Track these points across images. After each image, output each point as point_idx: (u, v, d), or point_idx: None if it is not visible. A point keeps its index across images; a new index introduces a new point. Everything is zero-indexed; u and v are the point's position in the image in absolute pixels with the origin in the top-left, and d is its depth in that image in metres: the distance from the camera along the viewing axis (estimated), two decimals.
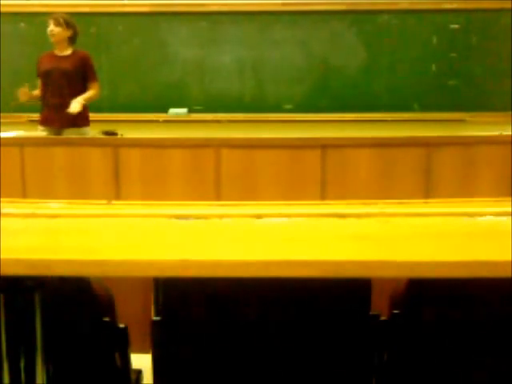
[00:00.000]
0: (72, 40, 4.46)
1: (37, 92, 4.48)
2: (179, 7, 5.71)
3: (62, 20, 4.39)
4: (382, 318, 1.38)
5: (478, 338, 1.37)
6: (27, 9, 5.64)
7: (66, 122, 4.36)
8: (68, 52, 4.46)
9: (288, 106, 5.78)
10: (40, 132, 4.49)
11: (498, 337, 1.36)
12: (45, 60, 4.47)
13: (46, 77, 4.42)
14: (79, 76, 4.41)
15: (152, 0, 5.69)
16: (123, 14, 5.72)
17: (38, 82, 4.49)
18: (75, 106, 4.26)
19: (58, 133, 4.42)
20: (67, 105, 4.28)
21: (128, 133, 4.76)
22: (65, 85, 4.35)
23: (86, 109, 4.51)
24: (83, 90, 4.41)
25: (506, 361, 1.37)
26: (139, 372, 1.57)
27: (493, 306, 1.35)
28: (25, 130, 4.77)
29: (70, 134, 4.39)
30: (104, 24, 5.72)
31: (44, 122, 4.50)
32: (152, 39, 5.75)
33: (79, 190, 4.00)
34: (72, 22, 4.45)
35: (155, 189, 3.96)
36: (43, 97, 4.45)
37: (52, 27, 4.39)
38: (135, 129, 5.13)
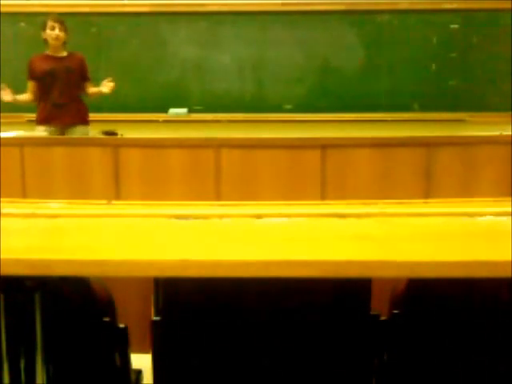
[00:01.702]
0: (65, 44, 4.52)
1: (27, 95, 4.49)
2: (179, 7, 5.71)
3: (65, 24, 4.45)
4: (382, 317, 1.38)
5: (477, 338, 1.37)
6: (27, 9, 5.64)
7: (70, 120, 4.43)
8: (64, 53, 4.50)
9: (288, 106, 5.78)
10: (38, 132, 4.49)
11: (497, 337, 1.36)
12: (40, 62, 4.47)
13: (49, 77, 4.41)
14: (80, 76, 4.50)
15: (152, 0, 5.69)
16: (123, 13, 5.72)
17: (30, 85, 4.49)
18: (107, 86, 4.42)
19: (62, 131, 4.46)
20: (71, 103, 4.42)
21: (128, 133, 4.76)
22: (70, 83, 4.43)
23: (87, 107, 4.56)
24: (81, 90, 4.51)
25: (506, 361, 1.37)
26: (139, 372, 1.57)
27: (492, 306, 1.35)
28: (25, 130, 4.76)
29: (75, 131, 4.45)
30: (104, 24, 5.72)
31: (45, 121, 4.48)
32: (152, 39, 5.75)
33: (79, 190, 4.00)
34: (67, 27, 4.52)
35: (155, 189, 3.95)
36: (45, 97, 4.45)
37: (60, 32, 4.41)
38: (135, 129, 5.13)
